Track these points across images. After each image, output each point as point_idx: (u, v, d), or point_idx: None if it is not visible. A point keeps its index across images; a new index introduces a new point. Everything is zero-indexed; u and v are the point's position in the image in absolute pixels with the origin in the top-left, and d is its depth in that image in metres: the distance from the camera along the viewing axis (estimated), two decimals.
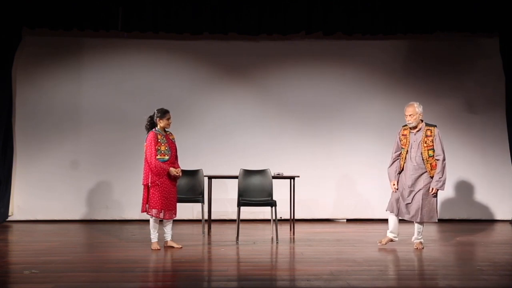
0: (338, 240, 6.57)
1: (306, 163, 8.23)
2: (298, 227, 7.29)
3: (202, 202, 6.91)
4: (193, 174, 7.12)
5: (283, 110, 8.41)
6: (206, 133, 8.28)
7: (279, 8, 7.91)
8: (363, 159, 8.33)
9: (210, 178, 6.95)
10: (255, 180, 6.75)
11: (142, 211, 5.68)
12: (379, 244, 5.88)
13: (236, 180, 6.70)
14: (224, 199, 7.91)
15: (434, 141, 5.68)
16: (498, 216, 8.27)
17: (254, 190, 6.64)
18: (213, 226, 7.09)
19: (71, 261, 5.08)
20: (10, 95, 7.93)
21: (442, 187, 5.66)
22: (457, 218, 8.28)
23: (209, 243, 6.25)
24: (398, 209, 5.77)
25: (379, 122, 8.42)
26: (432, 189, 5.63)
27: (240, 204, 6.38)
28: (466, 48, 8.49)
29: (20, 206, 8.04)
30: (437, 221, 5.76)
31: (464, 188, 8.36)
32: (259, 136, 8.34)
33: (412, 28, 8.06)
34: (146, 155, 5.62)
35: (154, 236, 5.73)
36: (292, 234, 6.82)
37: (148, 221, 5.79)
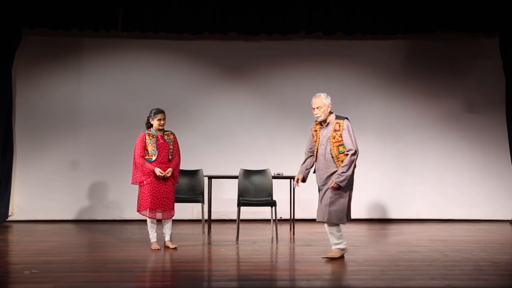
0: None
1: None
2: (298, 227, 7.29)
3: (202, 202, 6.91)
4: (193, 174, 7.13)
5: (283, 110, 8.41)
6: (206, 133, 8.28)
7: (279, 8, 7.92)
8: (362, 159, 8.23)
9: (210, 178, 6.95)
10: (255, 180, 6.76)
11: (137, 211, 5.71)
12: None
13: (236, 180, 6.70)
14: (224, 199, 7.91)
15: (342, 135, 5.06)
16: (498, 216, 8.27)
17: (254, 190, 6.65)
18: (213, 226, 7.09)
19: (71, 261, 5.08)
20: (10, 95, 7.93)
21: (343, 182, 4.99)
22: (457, 218, 8.28)
23: (209, 243, 6.25)
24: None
25: (379, 122, 8.42)
26: (332, 182, 5.01)
27: (240, 204, 6.38)
28: (466, 48, 8.49)
29: (20, 206, 8.04)
30: (344, 223, 5.18)
31: (464, 188, 8.35)
32: (259, 136, 8.34)
33: (412, 28, 8.07)
34: (133, 154, 5.66)
35: (152, 236, 5.74)
36: (292, 234, 6.82)
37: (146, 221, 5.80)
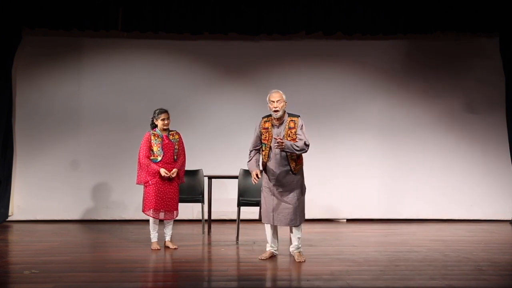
0: (338, 240, 6.57)
1: (306, 163, 8.15)
2: None
3: (202, 202, 6.91)
4: (193, 174, 7.12)
5: None
6: (206, 133, 8.28)
7: (279, 8, 7.91)
8: (363, 159, 8.33)
9: (210, 178, 6.95)
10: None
11: (142, 211, 5.71)
12: (260, 258, 5.20)
13: (236, 180, 6.70)
14: (224, 199, 7.90)
15: (297, 132, 4.99)
16: (498, 216, 8.26)
17: (254, 190, 6.63)
18: (213, 226, 7.09)
19: (71, 261, 5.08)
20: (10, 95, 7.93)
21: (286, 149, 4.91)
22: (457, 218, 8.28)
23: (209, 243, 6.25)
24: (273, 217, 5.11)
25: (379, 122, 8.42)
26: (281, 140, 4.86)
27: (240, 204, 6.38)
28: (466, 48, 8.48)
29: (20, 206, 8.04)
30: (304, 220, 5.24)
31: (464, 188, 8.35)
32: None
33: (412, 28, 8.06)
34: (138, 154, 5.66)
35: (153, 236, 5.75)
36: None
37: (148, 221, 5.80)
